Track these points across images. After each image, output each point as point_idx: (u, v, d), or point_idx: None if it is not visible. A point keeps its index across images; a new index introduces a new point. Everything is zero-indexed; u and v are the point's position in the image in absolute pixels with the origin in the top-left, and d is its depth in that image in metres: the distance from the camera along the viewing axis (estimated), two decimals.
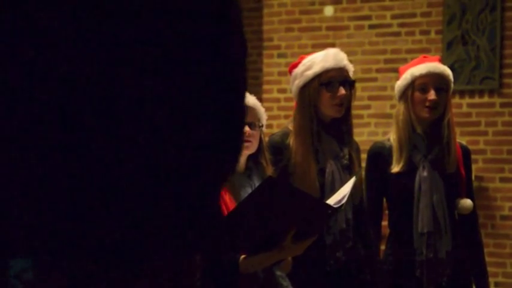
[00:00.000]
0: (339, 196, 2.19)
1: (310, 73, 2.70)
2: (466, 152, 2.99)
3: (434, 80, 2.87)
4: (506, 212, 5.48)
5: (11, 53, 0.83)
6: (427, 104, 2.84)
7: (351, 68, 2.78)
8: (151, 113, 0.88)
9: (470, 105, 5.57)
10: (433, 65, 2.89)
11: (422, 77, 2.86)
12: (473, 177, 5.29)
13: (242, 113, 1.01)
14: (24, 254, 0.83)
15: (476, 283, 2.93)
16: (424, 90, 2.86)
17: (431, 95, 2.84)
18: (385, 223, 3.00)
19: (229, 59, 0.98)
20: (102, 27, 0.85)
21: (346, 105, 2.72)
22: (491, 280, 5.46)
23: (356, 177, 2.34)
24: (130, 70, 0.87)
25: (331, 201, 2.18)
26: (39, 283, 0.83)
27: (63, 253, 0.84)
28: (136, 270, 0.88)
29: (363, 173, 2.92)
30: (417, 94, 2.87)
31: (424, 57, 3.00)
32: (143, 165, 0.88)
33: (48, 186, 0.83)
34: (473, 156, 5.40)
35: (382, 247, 3.01)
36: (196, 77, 0.93)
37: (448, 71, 2.92)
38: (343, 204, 2.14)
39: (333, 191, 2.57)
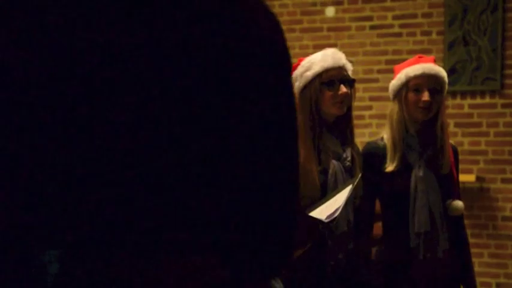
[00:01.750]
0: (333, 207, 2.17)
1: (310, 74, 2.71)
2: (455, 153, 3.01)
3: (429, 81, 2.87)
4: (507, 213, 5.47)
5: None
6: (421, 105, 2.85)
7: (349, 66, 2.79)
8: None
9: (471, 106, 5.56)
10: (428, 66, 2.89)
11: (416, 77, 2.87)
12: (474, 178, 5.33)
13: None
14: (52, 246, 0.84)
15: (463, 281, 2.94)
16: (418, 91, 2.87)
17: (425, 96, 2.84)
18: (379, 223, 3.00)
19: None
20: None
21: (347, 103, 2.73)
22: (493, 281, 5.46)
23: (353, 185, 2.33)
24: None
25: (324, 211, 2.16)
26: (64, 275, 0.84)
27: (89, 246, 0.85)
28: (160, 264, 0.89)
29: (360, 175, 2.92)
30: (411, 95, 2.88)
31: (420, 57, 3.00)
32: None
33: (74, 180, 0.84)
34: (474, 157, 5.42)
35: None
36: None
37: (443, 73, 2.92)
38: (336, 218, 2.13)
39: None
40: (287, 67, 1.01)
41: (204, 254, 0.92)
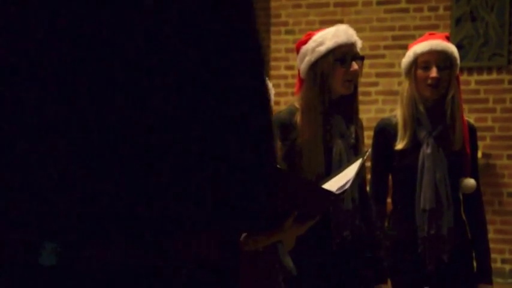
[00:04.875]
0: (343, 180, 2.18)
1: (323, 49, 2.68)
2: (472, 131, 2.98)
3: (437, 57, 2.85)
4: None
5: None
6: (429, 81, 2.84)
7: (359, 44, 2.77)
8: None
9: (478, 82, 5.55)
10: (436, 43, 2.88)
11: (424, 54, 2.86)
12: (480, 155, 5.33)
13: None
14: (52, 238, 0.85)
15: (477, 262, 2.94)
16: (427, 67, 2.86)
17: (433, 72, 2.83)
18: (389, 200, 3.01)
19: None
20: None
21: (355, 82, 2.72)
22: (498, 257, 5.49)
23: (363, 159, 2.33)
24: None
25: (335, 184, 2.16)
26: (62, 267, 0.85)
27: (86, 237, 0.86)
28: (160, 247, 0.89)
29: (370, 150, 2.92)
30: (420, 72, 2.87)
31: (430, 34, 2.98)
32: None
33: (69, 170, 0.85)
34: (481, 134, 5.41)
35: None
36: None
37: (451, 48, 2.90)
38: (346, 190, 2.14)
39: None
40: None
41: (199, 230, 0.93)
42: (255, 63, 0.98)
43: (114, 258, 0.86)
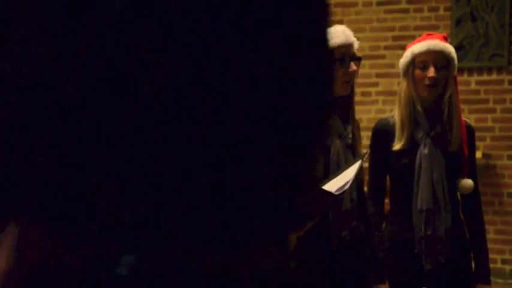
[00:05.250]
0: (342, 181, 2.18)
1: None
2: (470, 131, 2.98)
3: (434, 57, 2.86)
4: None
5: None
6: (427, 81, 2.85)
7: (356, 45, 2.78)
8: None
9: (478, 83, 5.55)
10: (434, 43, 2.88)
11: (422, 54, 2.86)
12: (480, 155, 5.33)
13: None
14: (126, 251, 0.85)
15: (476, 262, 2.94)
16: (424, 67, 2.87)
17: (431, 72, 2.84)
18: (387, 200, 3.02)
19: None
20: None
21: (351, 83, 2.73)
22: (498, 257, 5.49)
23: (362, 161, 2.33)
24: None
25: (334, 185, 2.17)
26: (137, 277, 0.85)
27: (160, 247, 0.86)
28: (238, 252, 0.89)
29: (364, 150, 2.93)
30: (417, 72, 2.88)
31: (428, 34, 2.99)
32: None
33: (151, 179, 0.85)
34: (481, 134, 5.41)
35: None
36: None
37: (449, 49, 2.90)
38: (345, 191, 2.14)
39: (338, 170, 2.58)
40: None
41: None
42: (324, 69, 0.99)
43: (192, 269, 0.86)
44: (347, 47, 2.72)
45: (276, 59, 0.90)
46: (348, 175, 2.21)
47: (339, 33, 2.72)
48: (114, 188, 0.84)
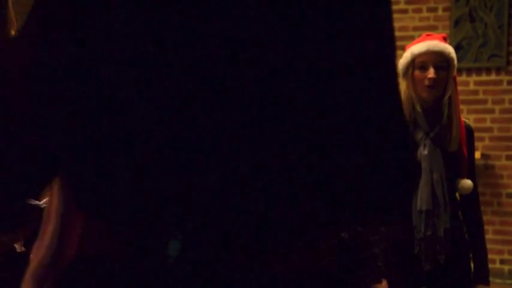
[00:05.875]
0: None
1: None
2: (469, 132, 2.99)
3: (434, 58, 2.86)
4: None
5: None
6: (426, 82, 2.85)
7: None
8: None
9: (477, 83, 5.55)
10: (433, 43, 2.89)
11: (421, 55, 2.87)
12: (479, 156, 5.33)
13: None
14: (175, 232, 0.85)
15: (475, 262, 2.95)
16: (424, 68, 2.87)
17: (430, 73, 2.84)
18: None
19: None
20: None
21: None
22: (497, 257, 5.49)
23: None
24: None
25: None
26: (184, 259, 0.85)
27: (207, 231, 0.85)
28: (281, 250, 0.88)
29: None
30: (417, 72, 2.88)
31: (427, 35, 3.00)
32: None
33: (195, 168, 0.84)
34: (479, 134, 5.41)
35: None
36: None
37: (448, 49, 2.91)
38: None
39: None
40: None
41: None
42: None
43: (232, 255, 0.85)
44: None
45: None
46: None
47: None
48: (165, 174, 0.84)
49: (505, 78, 5.49)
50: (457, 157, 2.91)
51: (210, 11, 0.84)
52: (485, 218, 3.10)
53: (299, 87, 0.86)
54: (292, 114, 0.85)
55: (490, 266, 3.04)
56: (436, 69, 2.86)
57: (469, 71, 5.54)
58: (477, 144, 5.49)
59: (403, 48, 3.07)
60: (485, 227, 3.09)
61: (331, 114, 0.88)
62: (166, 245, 0.84)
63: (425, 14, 5.66)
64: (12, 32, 1.84)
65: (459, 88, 2.94)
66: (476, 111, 5.52)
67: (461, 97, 5.64)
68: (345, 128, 0.89)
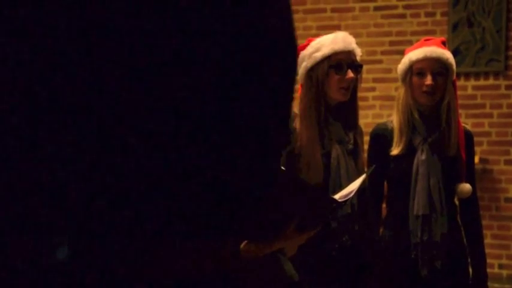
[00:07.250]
0: (347, 191, 2.20)
1: (319, 55, 2.70)
2: (468, 136, 2.99)
3: (432, 64, 2.87)
4: (510, 195, 5.49)
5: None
6: (424, 88, 2.86)
7: (358, 52, 2.78)
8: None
9: (475, 88, 5.56)
10: (431, 50, 2.89)
11: (419, 61, 2.87)
12: (477, 160, 5.33)
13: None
14: (60, 232, 0.85)
15: (473, 268, 2.95)
16: (422, 74, 2.87)
17: (428, 79, 2.85)
18: (384, 205, 3.02)
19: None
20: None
21: (352, 89, 2.73)
22: (495, 262, 5.49)
23: (367, 174, 2.34)
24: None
25: (338, 196, 2.18)
26: (74, 260, 0.84)
27: (98, 233, 0.85)
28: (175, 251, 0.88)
29: (365, 155, 2.93)
30: (415, 79, 2.88)
31: (426, 40, 2.99)
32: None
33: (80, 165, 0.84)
34: (478, 139, 5.42)
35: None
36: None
37: (447, 55, 2.91)
38: (348, 199, 2.15)
39: (338, 175, 2.59)
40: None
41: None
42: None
43: (127, 254, 0.85)
44: (346, 53, 2.71)
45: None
46: (352, 186, 2.22)
47: (338, 40, 2.73)
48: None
49: (503, 82, 5.50)
50: (456, 162, 2.91)
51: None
52: (483, 222, 3.11)
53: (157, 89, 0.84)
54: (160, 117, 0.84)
55: (489, 270, 3.04)
56: (434, 75, 2.86)
57: (467, 76, 5.55)
58: (475, 148, 5.49)
59: (403, 53, 3.08)
60: (484, 231, 3.10)
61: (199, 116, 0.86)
62: (55, 250, 0.84)
63: (423, 18, 5.67)
64: None
65: (457, 93, 2.95)
66: (474, 116, 5.52)
67: (459, 102, 5.65)
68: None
